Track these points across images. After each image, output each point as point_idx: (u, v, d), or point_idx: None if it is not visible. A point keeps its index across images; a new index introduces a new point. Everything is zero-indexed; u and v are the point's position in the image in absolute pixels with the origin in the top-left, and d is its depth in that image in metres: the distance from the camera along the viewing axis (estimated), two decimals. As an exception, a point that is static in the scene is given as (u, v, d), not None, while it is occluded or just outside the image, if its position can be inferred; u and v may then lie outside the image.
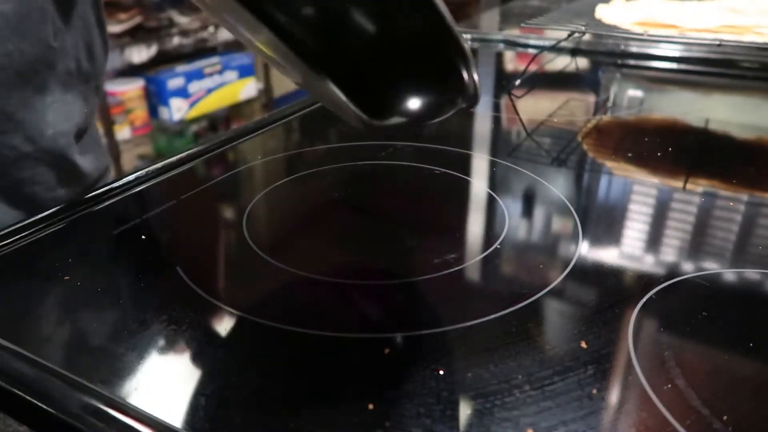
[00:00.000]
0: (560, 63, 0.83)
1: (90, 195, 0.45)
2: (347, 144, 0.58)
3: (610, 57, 0.85)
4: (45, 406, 0.27)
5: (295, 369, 0.29)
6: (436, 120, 0.29)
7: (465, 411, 0.27)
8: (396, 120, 0.28)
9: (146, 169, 0.49)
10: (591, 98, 0.72)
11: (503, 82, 0.80)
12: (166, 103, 1.94)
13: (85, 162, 0.55)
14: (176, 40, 1.96)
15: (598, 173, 0.52)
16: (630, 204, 0.45)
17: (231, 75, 2.12)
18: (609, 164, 0.53)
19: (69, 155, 0.52)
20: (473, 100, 0.29)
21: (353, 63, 0.29)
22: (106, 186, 0.47)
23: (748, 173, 0.50)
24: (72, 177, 0.54)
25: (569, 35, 0.76)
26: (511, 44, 0.92)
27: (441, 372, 0.28)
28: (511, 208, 0.45)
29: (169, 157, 0.52)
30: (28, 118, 0.47)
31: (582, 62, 0.84)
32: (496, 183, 0.49)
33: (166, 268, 0.38)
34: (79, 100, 0.52)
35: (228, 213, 0.46)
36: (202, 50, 2.10)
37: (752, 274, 0.37)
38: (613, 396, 0.28)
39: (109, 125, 1.77)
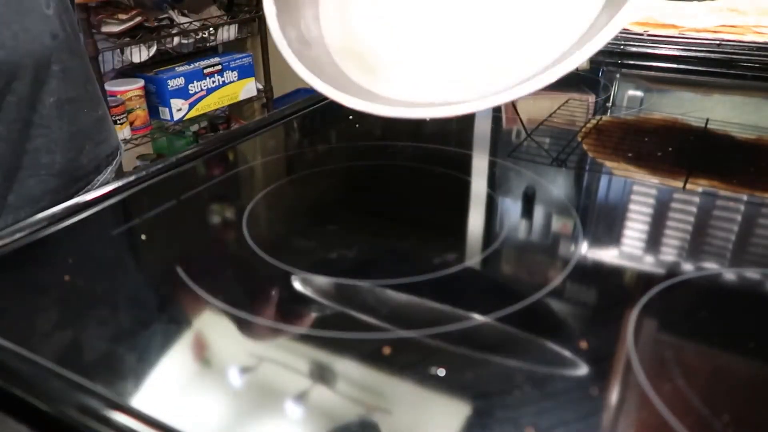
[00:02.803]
0: (560, 63, 0.83)
1: (90, 195, 0.45)
2: (347, 144, 0.58)
3: (610, 57, 0.85)
4: (45, 406, 0.28)
5: (294, 369, 0.29)
6: None
7: (465, 411, 0.27)
8: None
9: (146, 170, 0.49)
10: (591, 98, 0.72)
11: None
12: (166, 103, 1.94)
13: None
14: (176, 40, 1.96)
15: (598, 173, 0.51)
16: (630, 204, 0.45)
17: (231, 75, 2.12)
18: (609, 164, 0.53)
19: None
20: None
21: None
22: (106, 186, 0.47)
23: (748, 173, 0.50)
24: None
25: (569, 35, 0.76)
26: (511, 44, 0.91)
27: (441, 372, 0.28)
28: (511, 208, 0.45)
29: (169, 157, 0.52)
30: (95, 132, 0.58)
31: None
32: (496, 183, 0.49)
33: (166, 268, 0.38)
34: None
35: (228, 213, 0.46)
36: (202, 50, 2.09)
37: (752, 274, 0.37)
38: (613, 396, 0.27)
39: (109, 125, 1.76)
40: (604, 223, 0.42)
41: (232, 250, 0.41)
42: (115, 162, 0.64)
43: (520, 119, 0.64)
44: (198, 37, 2.02)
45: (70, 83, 0.55)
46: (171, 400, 0.27)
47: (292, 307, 0.34)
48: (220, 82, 2.09)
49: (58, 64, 0.53)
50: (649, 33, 0.69)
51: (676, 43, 0.79)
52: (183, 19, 1.97)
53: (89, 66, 0.60)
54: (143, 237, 0.41)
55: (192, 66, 2.00)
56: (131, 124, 1.87)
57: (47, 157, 0.54)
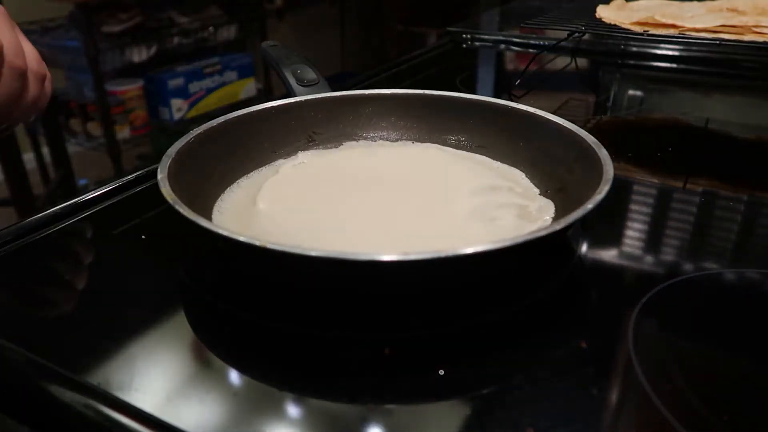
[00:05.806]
0: (560, 63, 0.83)
1: (90, 195, 0.45)
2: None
3: (610, 57, 0.85)
4: (45, 406, 0.28)
5: (295, 368, 0.29)
6: None
7: (465, 411, 0.27)
8: None
9: (146, 169, 0.49)
10: (591, 98, 0.72)
11: (503, 82, 0.80)
12: (166, 103, 1.94)
13: None
14: (176, 40, 1.96)
15: (598, 173, 0.51)
16: (630, 204, 0.45)
17: (231, 75, 2.12)
18: (609, 164, 0.52)
19: None
20: None
21: None
22: (106, 186, 0.47)
23: (748, 173, 0.50)
24: None
25: (569, 35, 0.76)
26: (511, 44, 0.92)
27: (441, 372, 0.28)
28: (511, 208, 0.45)
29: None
30: None
31: (582, 62, 0.84)
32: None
33: (166, 268, 0.38)
34: None
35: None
36: (202, 50, 2.09)
37: (752, 274, 0.37)
38: (613, 396, 0.27)
39: (109, 125, 1.77)
40: (604, 223, 0.42)
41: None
42: None
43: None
44: (198, 37, 2.02)
45: None
46: (171, 400, 0.27)
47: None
48: (220, 82, 2.09)
49: None
50: (649, 33, 0.69)
51: (676, 43, 0.79)
52: (183, 19, 1.97)
53: None
54: (143, 237, 0.41)
55: (192, 66, 2.00)
56: (131, 124, 1.87)
57: None
